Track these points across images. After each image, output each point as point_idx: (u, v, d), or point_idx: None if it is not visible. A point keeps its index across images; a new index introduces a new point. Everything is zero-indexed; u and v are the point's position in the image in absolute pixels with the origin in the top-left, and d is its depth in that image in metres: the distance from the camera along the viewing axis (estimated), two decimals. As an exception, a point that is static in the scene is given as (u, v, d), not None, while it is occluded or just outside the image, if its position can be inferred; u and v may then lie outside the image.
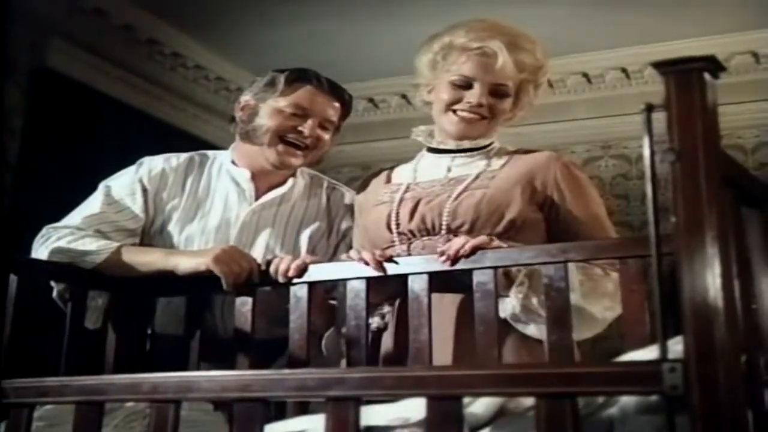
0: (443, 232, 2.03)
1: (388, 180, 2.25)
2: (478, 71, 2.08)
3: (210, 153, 2.43)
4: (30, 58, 4.29)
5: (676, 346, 1.09)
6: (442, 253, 1.89)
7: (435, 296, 1.95)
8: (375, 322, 2.09)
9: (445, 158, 2.17)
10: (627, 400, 1.19)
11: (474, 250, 1.87)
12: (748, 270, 1.24)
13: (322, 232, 2.34)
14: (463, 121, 2.11)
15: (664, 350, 1.09)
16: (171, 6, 4.77)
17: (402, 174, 2.25)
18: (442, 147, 2.18)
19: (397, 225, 2.08)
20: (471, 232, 1.99)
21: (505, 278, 1.92)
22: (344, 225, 2.36)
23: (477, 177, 2.09)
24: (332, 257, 2.29)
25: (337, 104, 2.31)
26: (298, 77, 2.28)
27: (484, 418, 1.30)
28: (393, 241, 2.08)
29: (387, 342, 2.07)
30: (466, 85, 2.10)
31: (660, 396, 1.10)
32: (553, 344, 1.78)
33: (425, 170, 2.19)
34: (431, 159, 2.21)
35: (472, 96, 2.09)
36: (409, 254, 2.04)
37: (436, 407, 1.23)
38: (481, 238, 1.89)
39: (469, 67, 2.09)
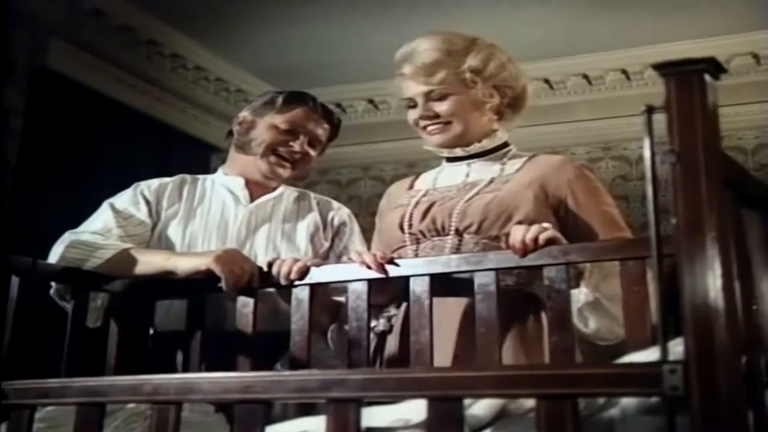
0: (452, 232, 2.05)
1: (411, 186, 2.30)
2: (407, 89, 2.19)
3: (199, 176, 2.60)
4: (30, 59, 4.29)
5: (677, 348, 1.09)
6: (510, 247, 1.88)
7: (439, 298, 1.96)
8: (381, 324, 2.10)
9: (462, 165, 2.21)
10: (628, 401, 1.19)
11: (545, 243, 1.85)
12: (748, 271, 1.24)
13: (318, 226, 2.49)
14: (430, 134, 2.20)
15: (664, 351, 1.09)
16: (171, 7, 4.77)
17: (424, 181, 2.30)
18: (453, 155, 2.22)
19: (410, 226, 2.11)
20: (478, 232, 2.02)
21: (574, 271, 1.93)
22: (336, 221, 2.52)
23: (491, 181, 2.11)
24: (329, 249, 2.46)
25: (327, 126, 2.51)
26: (295, 99, 2.49)
27: (484, 420, 1.31)
28: (404, 242, 2.11)
29: (391, 345, 2.07)
30: (413, 104, 2.20)
31: (660, 397, 1.10)
32: (553, 345, 1.78)
33: (445, 177, 2.24)
34: (450, 167, 2.25)
35: (417, 112, 2.19)
36: (417, 254, 2.07)
37: (437, 408, 1.23)
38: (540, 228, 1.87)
39: (404, 87, 2.20)
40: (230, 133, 2.56)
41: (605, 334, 1.94)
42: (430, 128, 2.18)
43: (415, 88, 2.17)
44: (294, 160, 2.45)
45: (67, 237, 2.29)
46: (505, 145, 2.22)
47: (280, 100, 2.47)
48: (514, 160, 2.18)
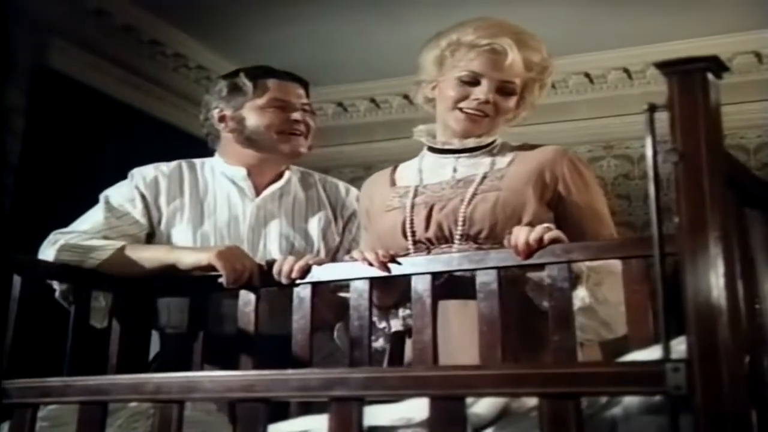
0: (460, 238, 2.01)
1: (393, 183, 2.23)
2: (486, 68, 2.07)
3: (196, 160, 2.51)
4: (31, 59, 4.29)
5: (680, 346, 1.09)
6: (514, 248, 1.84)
7: (457, 304, 1.96)
8: (394, 325, 2.08)
9: (450, 158, 2.15)
10: (630, 400, 1.19)
11: (549, 243, 1.82)
12: (751, 270, 1.24)
13: (329, 219, 2.44)
14: (468, 119, 2.10)
15: (667, 350, 1.09)
16: (173, 7, 4.78)
17: (406, 175, 2.22)
18: (446, 147, 2.16)
19: (413, 233, 2.06)
20: (490, 237, 1.98)
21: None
22: (347, 211, 2.48)
23: (485, 177, 2.07)
24: (341, 242, 2.42)
25: (301, 90, 2.45)
26: (260, 74, 2.42)
27: (487, 418, 1.30)
28: (409, 249, 2.06)
29: (410, 347, 2.03)
30: (473, 81, 2.08)
31: (663, 396, 1.10)
32: (555, 344, 1.78)
33: (430, 171, 2.17)
34: (435, 159, 2.18)
35: (480, 92, 2.08)
36: None
37: (439, 407, 1.23)
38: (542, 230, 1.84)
39: (478, 63, 2.08)
40: (209, 134, 2.48)
41: (591, 335, 1.93)
42: (472, 113, 2.09)
43: (493, 71, 2.07)
44: (301, 132, 2.39)
45: (54, 238, 2.24)
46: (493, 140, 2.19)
47: (246, 82, 2.40)
48: (503, 153, 2.14)
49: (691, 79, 1.13)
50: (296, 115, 2.38)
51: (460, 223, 2.01)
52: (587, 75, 5.44)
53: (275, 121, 2.36)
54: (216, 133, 2.46)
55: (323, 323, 2.16)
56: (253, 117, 2.37)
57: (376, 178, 2.32)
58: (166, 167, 2.43)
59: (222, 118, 2.42)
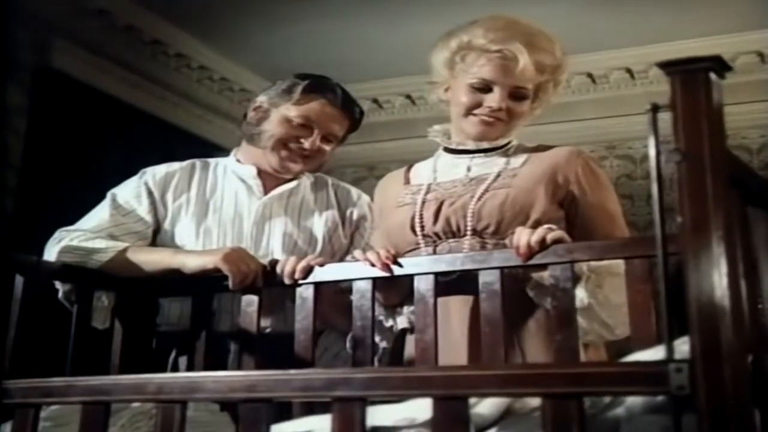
0: (468, 234, 2.02)
1: (407, 181, 2.23)
2: (498, 75, 2.05)
3: (211, 159, 2.51)
4: (33, 58, 4.30)
5: (683, 346, 1.09)
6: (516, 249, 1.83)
7: (458, 300, 1.96)
8: (401, 323, 2.08)
9: (464, 158, 2.15)
10: (633, 400, 1.19)
11: (552, 243, 1.82)
12: (754, 269, 1.24)
13: (336, 222, 2.42)
14: (482, 124, 2.09)
15: (670, 350, 1.09)
16: (175, 7, 4.78)
17: (420, 174, 2.22)
18: (461, 148, 2.16)
19: (422, 227, 2.06)
20: (496, 233, 1.99)
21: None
22: (355, 215, 2.44)
23: (498, 176, 2.07)
24: (349, 247, 2.39)
25: (346, 120, 2.38)
26: (314, 89, 2.33)
27: (490, 419, 1.31)
28: (418, 244, 2.07)
29: (411, 344, 2.03)
30: (485, 88, 2.07)
31: (666, 396, 1.10)
32: (558, 344, 1.78)
33: (444, 170, 2.17)
34: (449, 159, 2.19)
35: (492, 100, 2.06)
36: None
37: (442, 407, 1.23)
38: (544, 232, 1.84)
39: (489, 70, 2.05)
40: (245, 116, 2.44)
41: (593, 337, 1.93)
42: (486, 119, 2.07)
43: (505, 77, 2.05)
44: (305, 155, 2.34)
45: (59, 236, 2.24)
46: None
47: (299, 90, 2.32)
48: (518, 153, 2.14)
49: (694, 79, 1.13)
50: (308, 140, 2.32)
51: (468, 218, 2.02)
52: (590, 75, 5.43)
53: (286, 135, 2.32)
54: (245, 124, 2.43)
55: (334, 328, 2.16)
56: (274, 121, 2.34)
57: (390, 177, 2.33)
58: (178, 165, 2.43)
59: (256, 108, 2.38)
